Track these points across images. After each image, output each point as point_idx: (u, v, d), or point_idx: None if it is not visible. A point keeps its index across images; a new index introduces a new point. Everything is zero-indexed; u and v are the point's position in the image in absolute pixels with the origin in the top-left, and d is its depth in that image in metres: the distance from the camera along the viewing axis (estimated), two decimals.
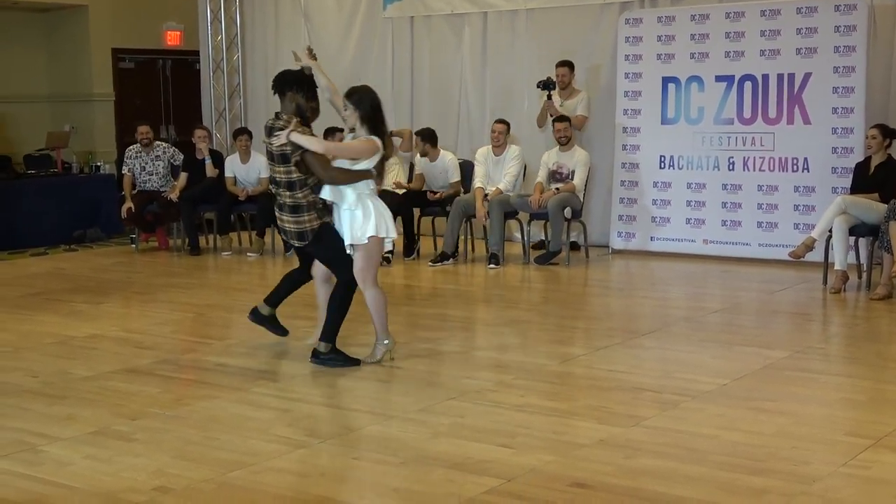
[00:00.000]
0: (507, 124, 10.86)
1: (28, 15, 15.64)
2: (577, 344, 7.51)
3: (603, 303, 9.25)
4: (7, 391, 6.14)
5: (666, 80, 10.92)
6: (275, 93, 6.75)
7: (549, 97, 11.11)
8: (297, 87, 6.67)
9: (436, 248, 10.99)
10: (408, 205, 10.96)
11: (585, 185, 10.73)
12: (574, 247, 11.02)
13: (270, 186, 6.96)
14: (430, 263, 10.58)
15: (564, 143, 10.61)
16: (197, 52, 14.80)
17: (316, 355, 6.63)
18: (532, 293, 9.64)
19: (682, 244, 10.89)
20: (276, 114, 6.66)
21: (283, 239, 7.56)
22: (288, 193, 6.56)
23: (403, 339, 7.51)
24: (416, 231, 11.12)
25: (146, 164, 12.11)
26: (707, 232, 10.76)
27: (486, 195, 10.64)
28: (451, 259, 10.62)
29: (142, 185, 12.13)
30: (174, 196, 11.70)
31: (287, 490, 4.51)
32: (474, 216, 10.75)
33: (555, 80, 11.12)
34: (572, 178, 10.56)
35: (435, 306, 8.87)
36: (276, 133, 6.45)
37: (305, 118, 6.64)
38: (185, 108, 15.53)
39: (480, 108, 12.51)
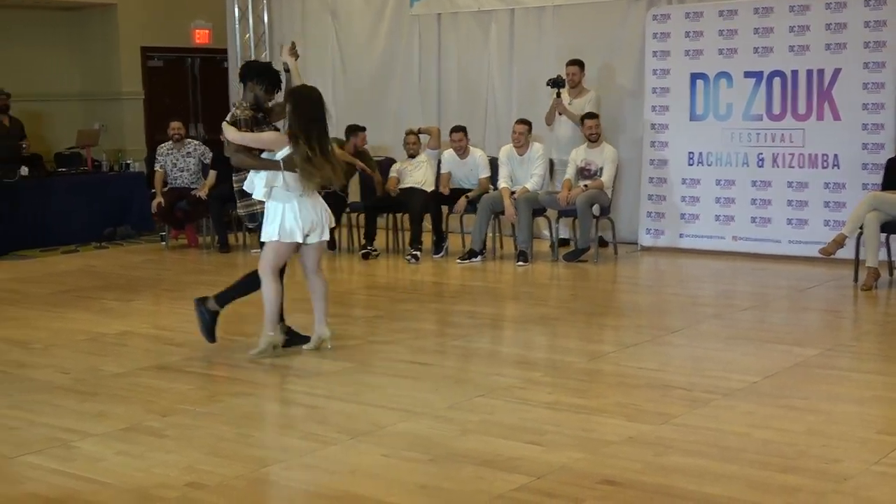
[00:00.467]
0: (529, 124, 10.83)
1: (58, 14, 15.76)
2: (606, 341, 7.50)
3: (632, 300, 9.23)
4: (39, 388, 6.20)
5: (694, 77, 10.88)
6: (239, 81, 7.04)
7: (559, 95, 11.09)
8: (258, 78, 6.94)
9: (464, 246, 11.00)
10: (436, 203, 10.97)
11: (614, 182, 10.71)
12: (601, 243, 11.01)
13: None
14: (458, 261, 10.58)
15: (595, 139, 10.59)
16: (225, 51, 14.86)
17: (202, 302, 6.96)
18: (560, 290, 9.63)
19: (712, 241, 10.84)
20: (235, 103, 6.84)
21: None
22: (235, 178, 6.99)
23: (432, 336, 7.54)
24: (444, 229, 11.12)
25: (177, 160, 12.19)
26: (736, 229, 10.71)
27: (512, 193, 10.63)
28: (479, 256, 10.62)
29: (172, 181, 12.21)
30: (203, 194, 11.76)
31: (318, 486, 4.53)
32: (502, 213, 10.75)
33: (564, 78, 11.10)
34: (600, 175, 10.53)
35: (463, 303, 8.88)
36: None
37: (262, 109, 6.89)
38: (213, 106, 15.59)
39: (507, 104, 12.49)
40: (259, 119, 6.84)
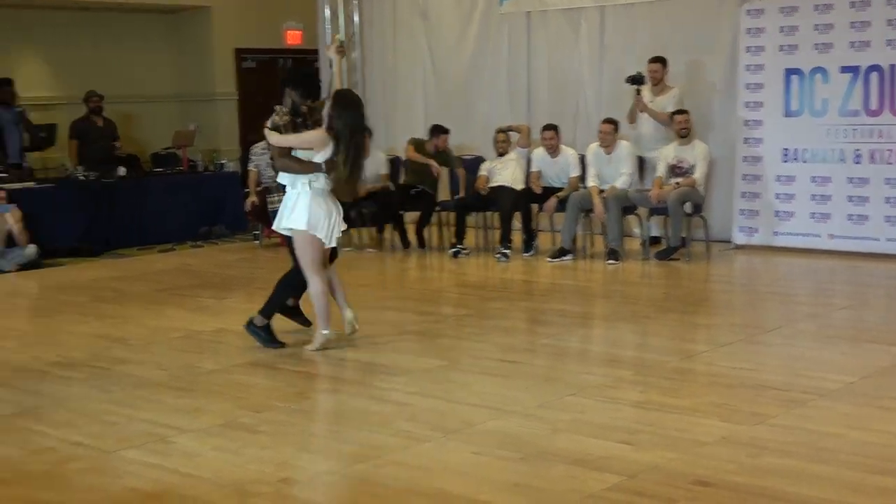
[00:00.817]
0: (615, 123, 10.75)
1: (154, 17, 16.08)
2: (699, 340, 7.42)
3: (725, 298, 9.12)
4: (138, 384, 6.33)
5: (789, 72, 10.70)
6: (280, 86, 7.20)
7: (639, 92, 10.99)
8: (293, 84, 7.11)
9: (554, 244, 10.96)
10: (526, 201, 10.95)
11: (706, 180, 10.59)
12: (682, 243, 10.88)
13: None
14: (548, 259, 10.55)
15: (685, 135, 10.49)
16: (316, 51, 15.00)
17: (250, 323, 7.14)
18: (652, 289, 9.55)
19: (807, 239, 10.65)
20: (275, 109, 7.00)
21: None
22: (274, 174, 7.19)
23: (522, 334, 7.54)
24: (533, 227, 11.09)
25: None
26: (832, 227, 10.51)
27: (601, 192, 10.57)
28: (569, 255, 10.57)
29: (266, 181, 12.33)
30: None
31: (409, 483, 4.55)
32: (591, 211, 10.69)
33: (645, 74, 11.00)
34: (693, 173, 10.42)
35: (553, 302, 8.86)
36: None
37: (299, 114, 7.02)
38: None
39: (597, 102, 12.41)
40: (297, 124, 7.01)
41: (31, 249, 10.97)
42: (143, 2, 15.24)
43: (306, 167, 6.80)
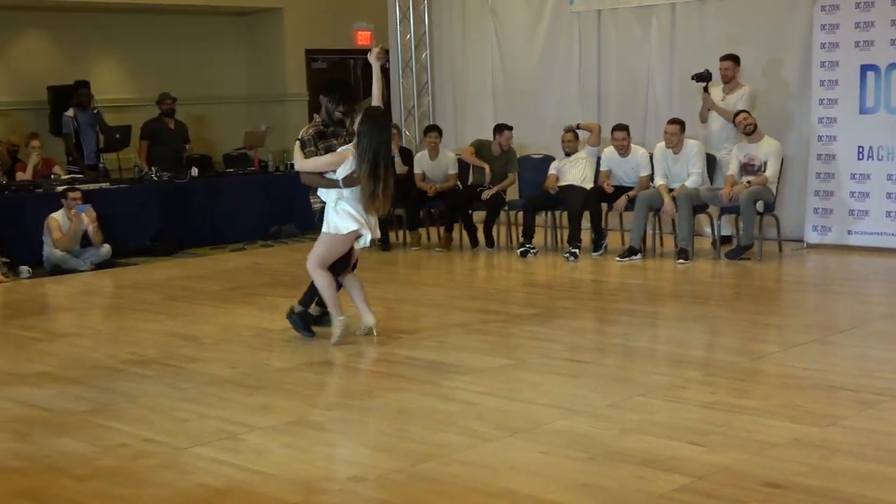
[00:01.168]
0: (681, 123, 10.64)
1: (227, 19, 16.28)
2: (770, 341, 7.33)
3: (797, 299, 9.00)
4: (210, 381, 6.41)
5: (864, 69, 10.52)
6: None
7: (706, 90, 10.86)
8: (324, 91, 7.48)
9: (623, 244, 10.89)
10: (595, 200, 10.89)
11: (778, 178, 10.45)
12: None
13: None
14: (617, 258, 10.49)
15: (750, 132, 10.34)
16: (387, 51, 15.05)
17: (291, 312, 7.48)
18: (722, 288, 9.45)
19: (882, 238, 10.47)
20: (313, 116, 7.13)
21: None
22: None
23: (591, 334, 7.51)
24: (603, 226, 11.03)
25: None
26: None
27: (670, 191, 10.48)
28: (638, 254, 10.49)
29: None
30: None
31: (476, 483, 4.55)
32: (660, 210, 10.61)
33: (711, 71, 10.86)
34: (764, 171, 10.29)
35: (623, 301, 8.80)
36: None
37: (333, 121, 7.32)
38: None
39: (668, 101, 12.30)
40: (326, 133, 7.27)
41: (106, 249, 11.15)
42: (215, 4, 15.43)
43: (327, 184, 7.12)
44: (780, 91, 11.32)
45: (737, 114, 10.45)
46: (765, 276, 9.75)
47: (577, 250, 10.70)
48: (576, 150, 11.26)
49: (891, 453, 4.72)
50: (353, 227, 7.07)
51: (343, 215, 7.08)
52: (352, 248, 7.32)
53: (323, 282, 7.19)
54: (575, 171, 11.16)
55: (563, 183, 11.14)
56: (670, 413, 5.44)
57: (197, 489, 4.58)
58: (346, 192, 7.04)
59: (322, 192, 7.23)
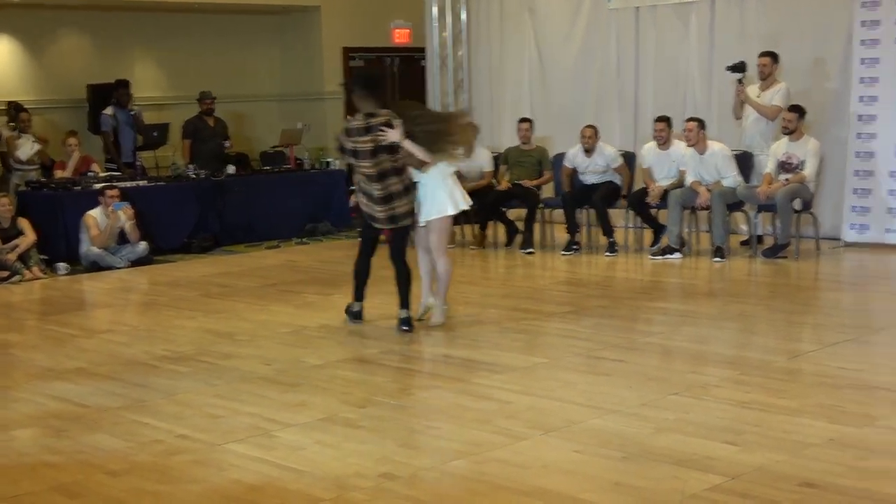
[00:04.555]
0: (698, 121, 10.54)
1: (264, 17, 16.33)
2: (806, 340, 7.27)
3: (834, 297, 8.92)
4: (244, 378, 6.43)
5: None
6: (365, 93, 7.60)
7: (741, 81, 10.76)
8: (354, 84, 7.78)
9: (657, 241, 10.83)
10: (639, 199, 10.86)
11: (816, 176, 10.35)
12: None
13: (362, 181, 7.68)
14: (650, 256, 10.44)
15: (788, 133, 10.25)
16: (423, 49, 15.06)
17: (403, 321, 7.53)
18: (759, 287, 9.38)
19: None
20: (366, 114, 7.46)
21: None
22: (380, 185, 7.48)
23: (626, 332, 7.47)
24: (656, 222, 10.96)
25: None
26: None
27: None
28: (676, 253, 10.42)
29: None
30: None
31: (508, 481, 4.55)
32: (695, 209, 10.54)
33: (746, 63, 10.77)
34: (802, 169, 10.20)
35: (658, 300, 8.76)
36: (380, 130, 7.33)
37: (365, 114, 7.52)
38: None
39: (706, 98, 12.22)
40: (351, 130, 7.48)
41: (143, 246, 11.23)
42: (253, 3, 15.48)
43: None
44: (819, 88, 11.21)
45: (789, 110, 10.29)
46: (801, 274, 9.66)
47: (616, 248, 10.75)
48: (594, 147, 11.18)
49: None
50: (450, 209, 7.53)
51: (443, 196, 7.53)
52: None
53: (450, 266, 7.67)
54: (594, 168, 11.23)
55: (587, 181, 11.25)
56: (705, 412, 5.40)
57: (230, 485, 4.61)
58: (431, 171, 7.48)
59: (416, 173, 7.56)
